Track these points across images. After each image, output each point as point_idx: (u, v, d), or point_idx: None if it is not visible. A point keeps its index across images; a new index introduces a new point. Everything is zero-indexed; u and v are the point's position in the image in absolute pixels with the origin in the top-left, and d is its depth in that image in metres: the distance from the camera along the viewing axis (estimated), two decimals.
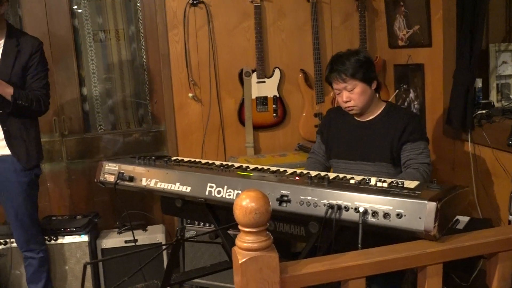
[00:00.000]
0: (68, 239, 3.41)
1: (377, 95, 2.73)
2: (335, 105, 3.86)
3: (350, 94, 2.60)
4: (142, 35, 4.07)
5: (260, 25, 3.95)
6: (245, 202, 1.27)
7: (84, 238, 3.42)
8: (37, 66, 3.04)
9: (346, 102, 2.63)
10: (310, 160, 2.95)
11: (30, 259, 3.19)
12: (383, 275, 2.23)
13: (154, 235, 3.57)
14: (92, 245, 3.47)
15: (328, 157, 2.83)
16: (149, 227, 3.70)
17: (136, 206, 3.97)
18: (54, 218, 3.65)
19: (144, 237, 3.55)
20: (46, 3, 3.82)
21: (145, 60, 4.10)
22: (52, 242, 3.39)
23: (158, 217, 4.07)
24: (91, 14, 4.02)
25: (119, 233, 3.58)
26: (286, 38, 4.10)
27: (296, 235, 2.06)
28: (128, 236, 3.53)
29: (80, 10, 3.98)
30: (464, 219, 2.17)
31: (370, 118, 2.69)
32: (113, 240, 3.52)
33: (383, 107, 2.69)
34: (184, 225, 3.44)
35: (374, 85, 2.64)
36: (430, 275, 1.49)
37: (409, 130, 2.55)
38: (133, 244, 3.40)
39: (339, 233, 1.79)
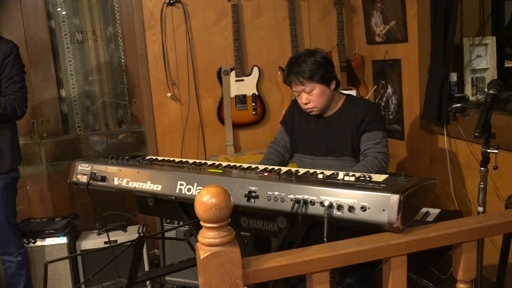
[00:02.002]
0: (47, 241, 3.40)
1: (336, 91, 2.73)
2: None
3: (309, 96, 2.61)
4: (120, 35, 4.06)
5: (238, 23, 3.96)
6: (205, 198, 1.28)
7: (63, 239, 3.41)
8: (11, 69, 3.01)
9: (306, 104, 2.64)
10: (269, 149, 2.95)
11: (9, 262, 3.17)
12: (356, 268, 2.26)
13: (134, 235, 3.55)
14: (71, 246, 3.46)
15: (294, 151, 2.84)
16: (129, 228, 3.70)
17: (117, 207, 3.97)
18: (33, 220, 3.64)
19: (123, 238, 3.55)
20: (22, 5, 3.81)
21: (123, 61, 4.09)
22: (31, 244, 3.38)
23: (140, 217, 4.07)
24: (68, 15, 4.00)
25: (99, 234, 3.57)
26: (264, 36, 4.12)
27: (269, 231, 2.06)
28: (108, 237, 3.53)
29: (58, 10, 3.96)
30: (435, 212, 2.19)
31: (331, 113, 2.71)
32: (92, 242, 3.52)
33: (342, 101, 2.71)
34: (164, 224, 3.45)
35: (333, 85, 2.65)
36: (395, 266, 1.50)
37: (366, 121, 2.58)
38: (118, 244, 3.39)
39: (311, 228, 1.80)
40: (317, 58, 2.58)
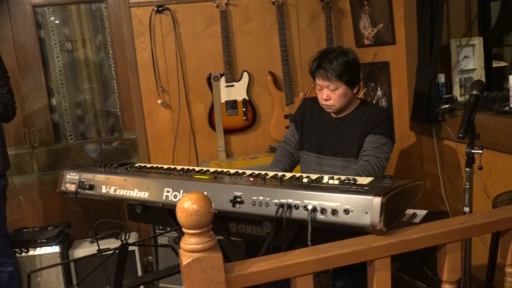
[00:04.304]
0: (39, 251, 3.40)
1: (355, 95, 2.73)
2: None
3: (331, 94, 2.59)
4: (109, 43, 4.07)
5: (227, 29, 3.97)
6: (186, 204, 1.28)
7: (56, 248, 3.41)
8: None
9: (326, 100, 2.62)
10: (280, 149, 2.91)
11: (0, 273, 3.17)
12: (347, 271, 2.26)
13: None
14: (64, 255, 3.46)
15: (300, 148, 2.82)
16: (122, 235, 3.70)
17: (111, 215, 3.96)
18: (25, 230, 3.64)
19: (116, 245, 3.52)
20: (11, 15, 3.81)
21: (113, 69, 4.10)
22: (23, 254, 3.38)
23: (133, 225, 4.07)
24: (57, 24, 4.01)
25: (91, 242, 3.58)
26: (253, 41, 4.13)
27: (259, 236, 2.07)
28: (101, 245, 3.52)
29: (47, 20, 3.97)
30: (422, 213, 2.18)
31: (344, 114, 2.70)
32: (85, 250, 3.52)
33: (357, 104, 2.70)
34: (157, 231, 3.45)
35: (356, 89, 2.64)
36: (378, 268, 1.51)
37: (375, 124, 2.57)
38: (104, 253, 3.38)
39: (298, 232, 1.81)
40: (349, 59, 2.56)
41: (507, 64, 3.76)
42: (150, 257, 4.00)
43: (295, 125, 2.88)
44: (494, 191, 2.86)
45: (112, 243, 3.57)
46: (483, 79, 3.50)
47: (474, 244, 2.80)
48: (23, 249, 3.38)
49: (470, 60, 3.51)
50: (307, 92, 4.08)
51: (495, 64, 3.68)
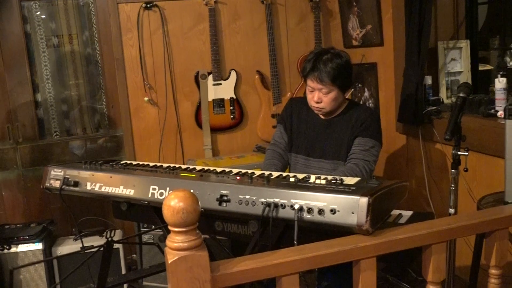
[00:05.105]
0: (21, 248, 3.35)
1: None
2: None
3: (323, 97, 2.56)
4: (97, 39, 4.03)
5: (215, 27, 3.96)
6: (173, 202, 1.27)
7: (39, 245, 3.37)
8: None
9: (317, 103, 2.59)
10: (269, 152, 2.86)
11: None
12: (332, 270, 2.26)
13: None
14: (47, 252, 3.42)
15: (289, 149, 2.81)
16: (107, 232, 3.66)
17: (95, 212, 3.93)
18: (7, 226, 3.59)
19: (100, 243, 3.48)
20: None
21: (100, 65, 4.06)
22: (5, 251, 3.33)
23: (117, 222, 4.04)
24: (43, 19, 3.96)
25: (75, 239, 3.54)
26: (242, 40, 4.12)
27: (244, 235, 2.06)
28: (84, 242, 3.49)
29: (34, 14, 3.92)
30: (407, 214, 2.20)
31: (333, 116, 2.69)
32: (69, 247, 3.49)
33: (345, 105, 2.69)
34: (141, 229, 3.43)
35: (347, 93, 2.63)
36: (364, 269, 1.51)
37: (363, 126, 2.57)
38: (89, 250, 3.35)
39: (285, 232, 1.81)
40: (343, 61, 2.53)
41: (492, 67, 3.79)
42: (134, 255, 3.97)
43: (283, 127, 2.85)
44: (479, 193, 2.88)
45: (96, 241, 3.54)
46: (470, 81, 3.52)
47: (458, 245, 2.82)
48: (5, 246, 3.34)
49: (457, 62, 3.54)
50: (295, 92, 4.08)
51: (481, 67, 3.71)
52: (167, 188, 1.94)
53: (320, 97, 2.57)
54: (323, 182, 1.77)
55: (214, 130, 4.08)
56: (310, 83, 2.58)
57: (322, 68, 2.50)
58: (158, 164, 2.35)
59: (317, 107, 2.62)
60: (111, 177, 2.12)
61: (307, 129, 2.74)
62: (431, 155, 3.33)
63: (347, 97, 2.69)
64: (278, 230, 1.79)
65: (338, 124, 2.66)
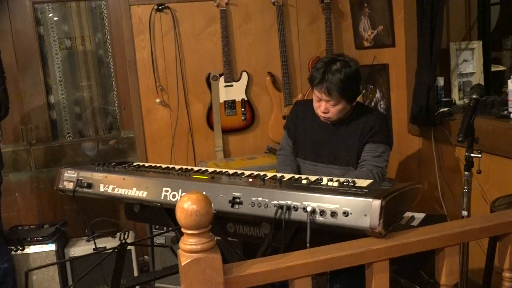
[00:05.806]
0: (34, 249, 3.38)
1: None
2: None
3: (330, 108, 2.53)
4: (109, 41, 4.06)
5: (226, 29, 3.97)
6: (186, 205, 1.28)
7: (52, 247, 3.40)
8: None
9: (324, 113, 2.55)
10: (280, 157, 2.85)
11: None
12: (344, 273, 2.26)
13: None
14: (60, 253, 3.45)
15: (296, 155, 2.78)
16: (118, 234, 3.69)
17: (107, 213, 3.96)
18: (21, 228, 3.63)
19: (113, 244, 3.53)
20: (10, 11, 3.80)
21: (112, 67, 4.09)
22: (19, 252, 3.36)
23: (129, 223, 4.06)
24: (56, 21, 4.00)
25: (88, 241, 3.56)
26: (253, 42, 4.13)
27: (256, 237, 2.07)
28: (97, 244, 3.51)
29: (47, 16, 3.95)
30: (420, 216, 2.19)
31: (340, 121, 2.65)
32: (81, 248, 3.51)
33: (352, 109, 2.64)
34: (154, 231, 3.45)
35: (355, 102, 2.60)
36: (377, 271, 1.50)
37: (373, 131, 2.54)
38: (101, 251, 3.37)
39: (297, 234, 1.81)
40: (352, 71, 2.49)
41: (505, 68, 3.76)
42: (146, 257, 3.99)
43: (287, 132, 2.83)
44: (492, 195, 2.86)
45: (108, 242, 3.57)
46: (482, 83, 3.50)
47: (471, 248, 2.80)
48: (18, 247, 3.37)
49: (469, 63, 3.51)
50: (306, 93, 4.08)
51: (494, 68, 3.68)
52: (180, 190, 1.95)
53: (327, 107, 2.54)
54: (336, 184, 1.76)
55: (226, 131, 4.09)
56: (318, 94, 2.54)
57: (331, 79, 2.45)
58: (171, 166, 2.36)
59: (324, 117, 2.59)
60: (124, 179, 2.13)
61: (313, 133, 2.71)
62: (444, 157, 3.30)
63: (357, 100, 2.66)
64: (290, 232, 1.79)
65: (346, 128, 2.62)
